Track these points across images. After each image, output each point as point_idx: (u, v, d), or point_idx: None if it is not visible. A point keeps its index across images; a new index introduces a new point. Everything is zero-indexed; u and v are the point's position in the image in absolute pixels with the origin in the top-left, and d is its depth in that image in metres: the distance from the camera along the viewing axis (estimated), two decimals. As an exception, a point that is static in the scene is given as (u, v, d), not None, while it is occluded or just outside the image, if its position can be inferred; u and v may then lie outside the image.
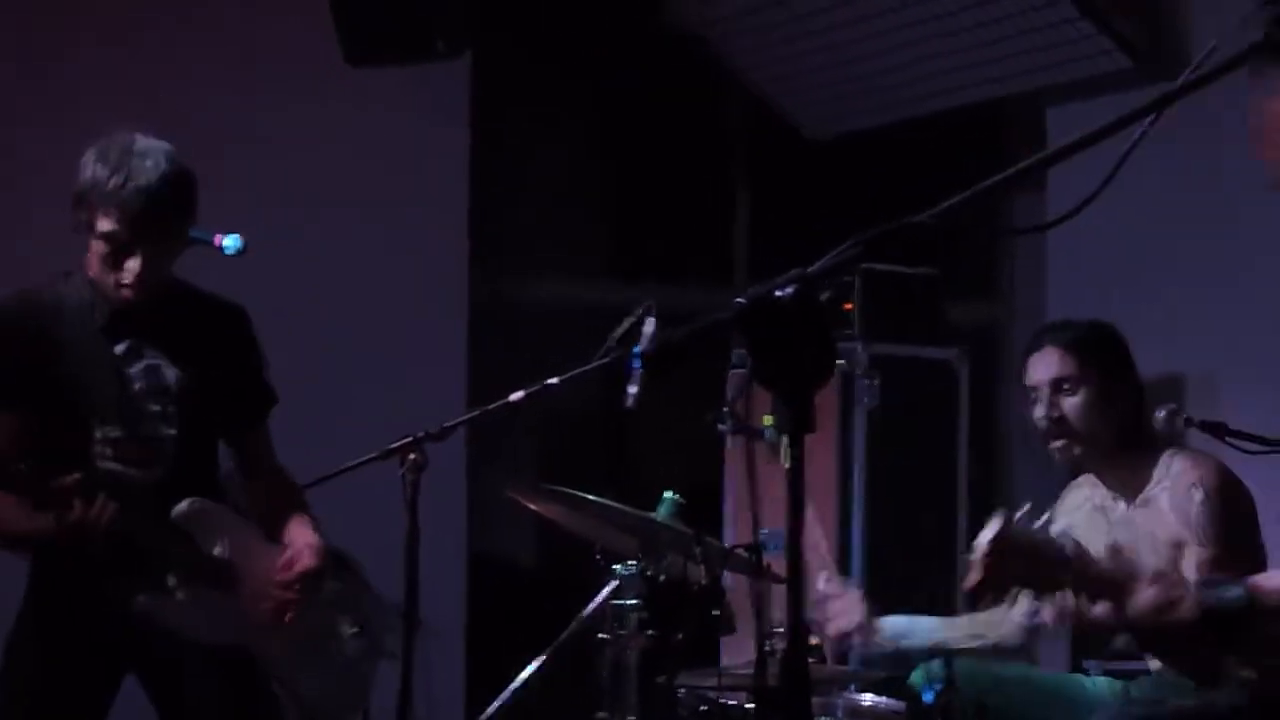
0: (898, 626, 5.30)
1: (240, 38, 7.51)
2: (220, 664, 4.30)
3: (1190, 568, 4.82)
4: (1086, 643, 6.63)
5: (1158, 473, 4.99)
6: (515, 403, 4.90)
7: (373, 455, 4.72)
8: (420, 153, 7.96)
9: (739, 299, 2.33)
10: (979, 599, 3.85)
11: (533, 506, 5.06)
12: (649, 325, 4.88)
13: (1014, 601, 5.24)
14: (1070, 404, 5.01)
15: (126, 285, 4.17)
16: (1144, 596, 3.70)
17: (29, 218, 5.97)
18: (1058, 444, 5.07)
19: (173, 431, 4.31)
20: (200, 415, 4.39)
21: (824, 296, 6.91)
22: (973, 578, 3.70)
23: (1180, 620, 3.68)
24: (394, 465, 4.67)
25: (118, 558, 4.20)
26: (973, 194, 2.47)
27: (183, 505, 4.26)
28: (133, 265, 4.16)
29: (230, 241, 4.99)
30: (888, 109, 8.66)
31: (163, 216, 4.16)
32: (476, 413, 5.12)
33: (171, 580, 4.23)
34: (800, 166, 9.02)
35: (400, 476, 4.64)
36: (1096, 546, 5.05)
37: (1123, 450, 5.05)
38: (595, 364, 4.92)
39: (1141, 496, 4.98)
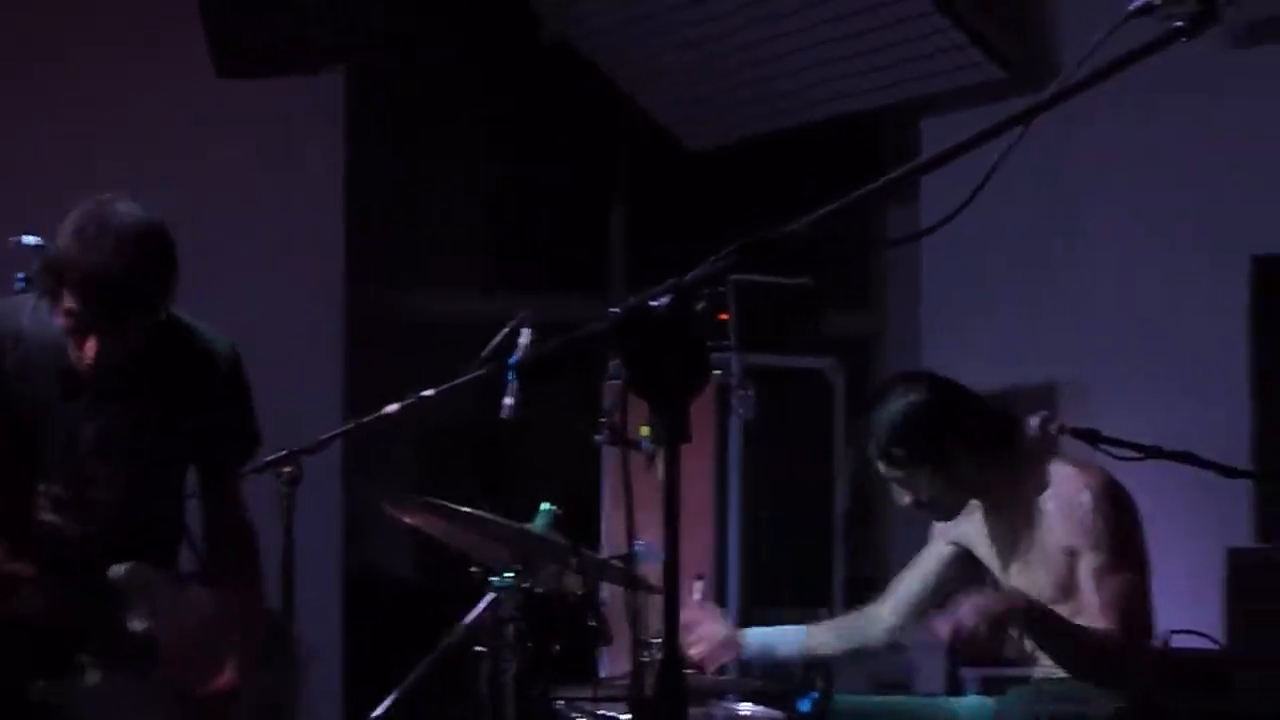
0: (762, 638, 5.32)
1: (115, 44, 7.47)
2: None
3: (1086, 574, 4.88)
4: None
5: (1049, 482, 5.01)
6: (391, 415, 4.89)
7: (246, 469, 4.67)
8: (296, 165, 7.94)
9: (614, 310, 2.33)
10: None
11: (409, 520, 5.04)
12: (525, 336, 4.89)
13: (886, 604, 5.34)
14: (922, 492, 5.02)
15: (86, 363, 4.00)
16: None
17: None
18: (938, 518, 5.14)
19: (117, 496, 4.15)
20: (156, 473, 4.25)
21: (699, 307, 6.94)
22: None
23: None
24: (269, 479, 4.64)
25: (25, 635, 4.04)
26: (844, 204, 2.48)
27: (118, 569, 4.07)
28: (90, 347, 3.98)
29: None
30: (766, 119, 8.69)
31: (119, 307, 3.97)
32: (351, 425, 5.10)
33: (85, 659, 4.03)
34: (680, 177, 9.05)
35: (275, 491, 4.61)
36: (991, 555, 5.13)
37: (999, 481, 5.08)
38: (471, 376, 4.92)
39: (1030, 505, 5.01)
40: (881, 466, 5.00)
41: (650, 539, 2.57)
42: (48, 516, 4.13)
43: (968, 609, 4.63)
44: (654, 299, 2.31)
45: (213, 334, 4.30)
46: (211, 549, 4.38)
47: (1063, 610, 4.89)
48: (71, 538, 4.12)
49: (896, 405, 4.96)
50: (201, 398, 4.24)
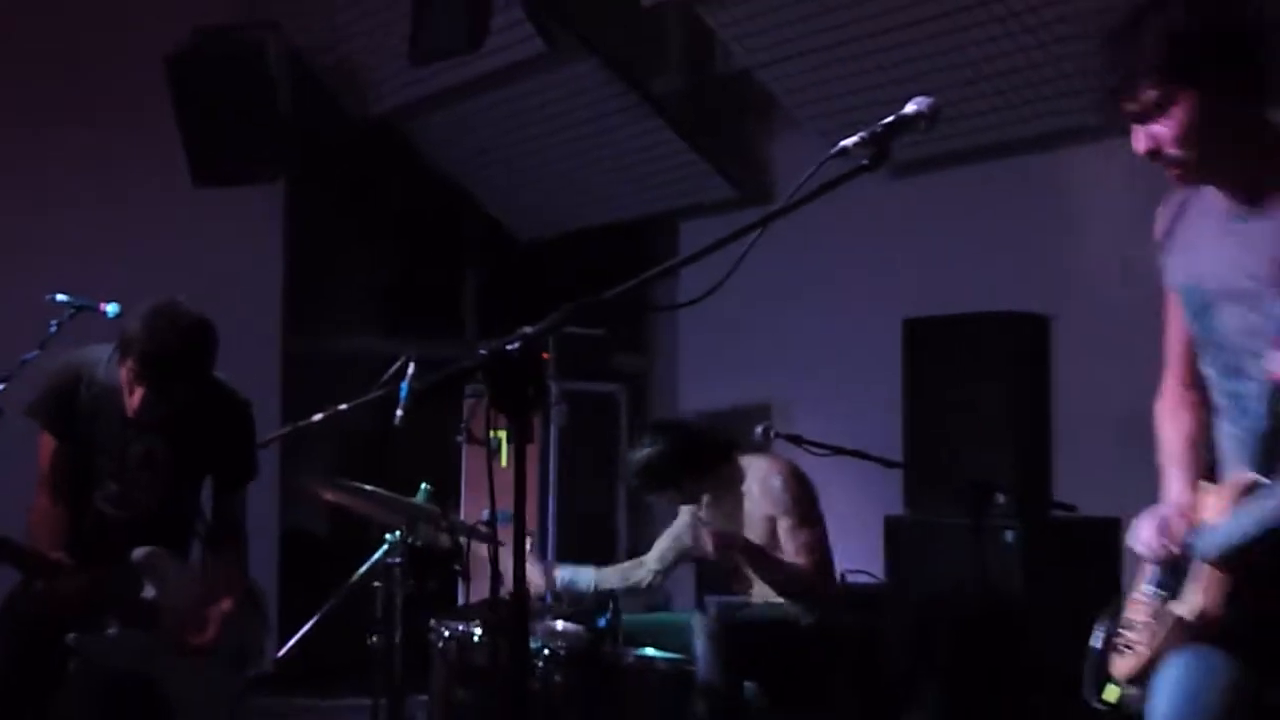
0: (566, 574, 5.34)
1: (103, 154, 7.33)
2: (118, 688, 4.10)
3: (783, 532, 4.95)
4: (707, 583, 6.74)
5: (747, 472, 5.10)
6: (315, 422, 4.85)
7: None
8: (247, 246, 7.83)
9: (482, 351, 2.33)
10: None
11: (327, 495, 4.98)
12: (410, 368, 4.87)
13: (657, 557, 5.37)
14: (664, 500, 5.35)
15: (132, 409, 4.01)
16: None
17: None
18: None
19: (154, 497, 4.15)
20: (183, 483, 4.24)
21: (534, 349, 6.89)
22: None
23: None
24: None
25: (74, 600, 4.00)
26: (628, 286, 2.50)
27: (139, 552, 4.07)
28: (135, 398, 3.99)
29: (112, 308, 4.91)
30: (568, 221, 8.72)
31: (162, 378, 3.96)
32: (288, 429, 5.03)
33: (108, 618, 4.02)
34: (513, 257, 9.07)
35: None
36: (718, 523, 5.17)
37: (714, 482, 5.16)
38: (373, 395, 4.89)
39: (739, 491, 5.10)
40: (636, 488, 5.28)
41: (502, 507, 2.58)
42: (104, 508, 4.12)
43: (716, 533, 4.85)
44: (509, 344, 2.32)
45: (234, 389, 4.30)
46: (213, 537, 4.35)
47: None
48: (118, 524, 4.12)
49: (640, 454, 5.14)
50: (222, 435, 4.24)
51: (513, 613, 2.27)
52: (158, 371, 3.95)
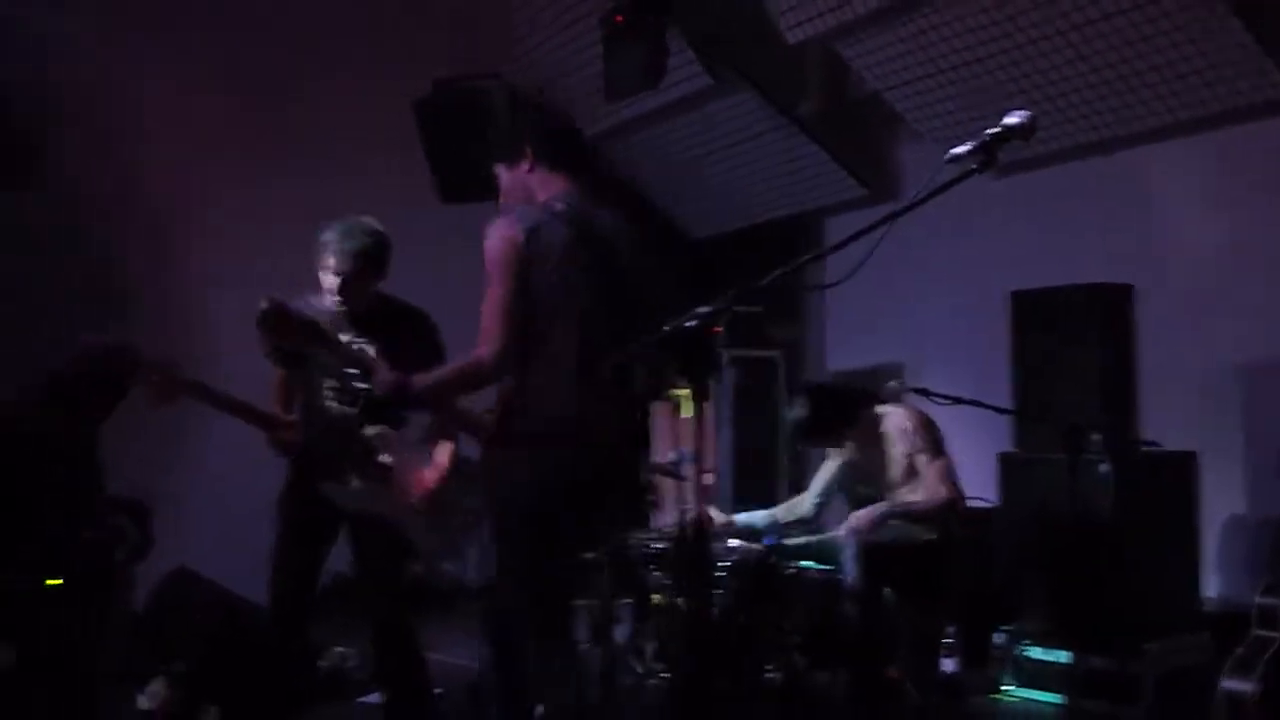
0: (743, 518, 5.34)
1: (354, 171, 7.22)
2: (376, 527, 4.05)
3: (921, 465, 4.90)
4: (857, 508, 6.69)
5: (885, 421, 5.04)
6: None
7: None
8: (479, 255, 7.91)
9: (666, 328, 2.35)
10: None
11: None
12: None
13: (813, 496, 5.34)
14: (816, 448, 5.14)
15: (330, 292, 4.03)
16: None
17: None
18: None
19: (366, 386, 4.06)
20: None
21: (710, 325, 6.89)
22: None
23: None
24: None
25: (322, 461, 4.03)
26: (785, 271, 2.50)
27: (371, 430, 4.04)
28: (329, 282, 4.01)
29: None
30: (738, 219, 8.69)
31: (342, 262, 3.98)
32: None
33: (351, 475, 4.02)
34: (688, 250, 9.05)
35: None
36: (864, 462, 5.12)
37: (857, 431, 5.11)
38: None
39: (879, 432, 5.04)
40: (795, 441, 5.25)
41: (684, 449, 2.60)
42: (330, 403, 4.08)
43: (863, 515, 4.77)
44: (688, 322, 2.33)
45: (412, 305, 4.21)
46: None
47: (905, 489, 4.93)
48: (339, 416, 4.06)
49: (794, 415, 5.06)
50: (411, 335, 4.12)
51: (696, 531, 2.28)
52: (339, 258, 3.95)
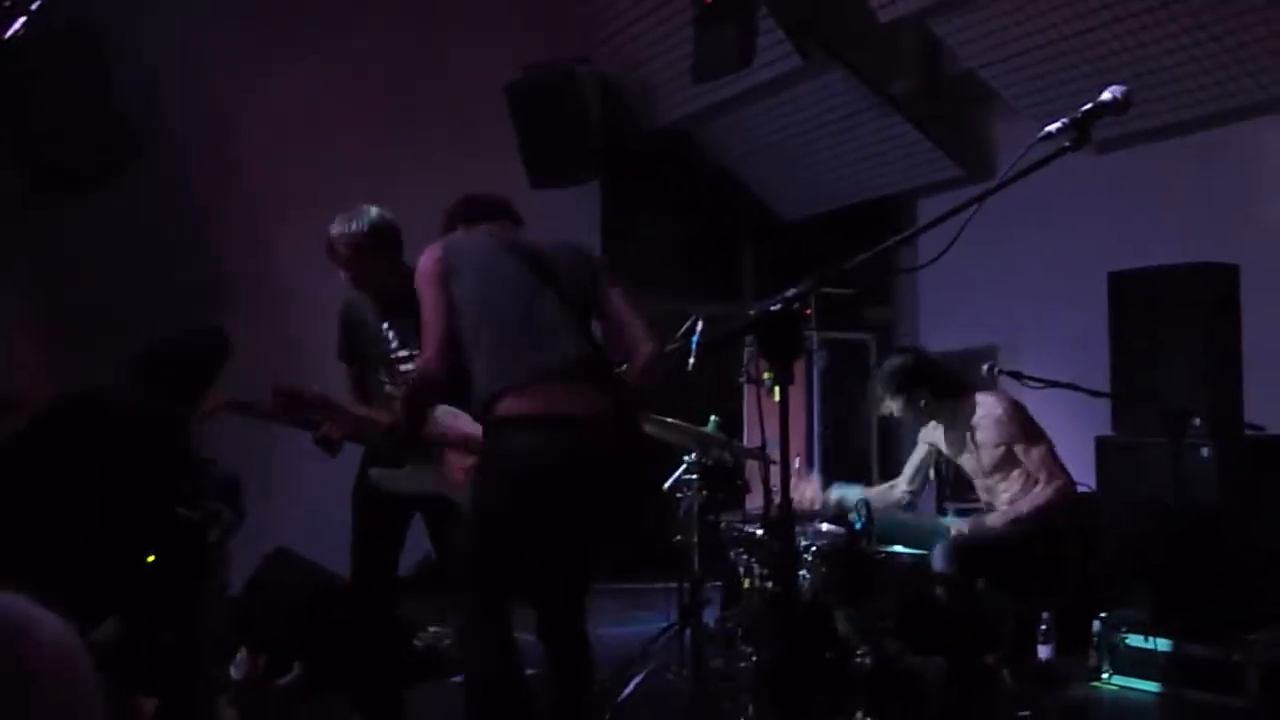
0: (837, 492, 5.31)
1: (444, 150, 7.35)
2: (441, 508, 3.94)
3: (1021, 454, 4.82)
4: (948, 494, 6.64)
5: (977, 408, 4.96)
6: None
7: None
8: (570, 236, 7.94)
9: (751, 311, 2.36)
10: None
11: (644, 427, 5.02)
12: (699, 325, 4.91)
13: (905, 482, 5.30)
14: (897, 411, 5.05)
15: (349, 285, 4.05)
16: None
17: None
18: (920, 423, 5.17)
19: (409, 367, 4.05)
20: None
21: (794, 308, 6.88)
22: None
23: None
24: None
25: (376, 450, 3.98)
26: (875, 251, 2.49)
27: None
28: (344, 276, 4.05)
29: None
30: (831, 201, 8.66)
31: (340, 255, 4.00)
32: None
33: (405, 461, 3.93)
34: (782, 235, 9.04)
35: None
36: (952, 450, 5.07)
37: (947, 409, 5.01)
38: (670, 346, 4.91)
39: (969, 421, 4.97)
40: (878, 393, 5.03)
41: (772, 435, 2.59)
42: (388, 387, 4.08)
43: (968, 532, 4.73)
44: (773, 305, 2.33)
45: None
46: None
47: (997, 476, 4.87)
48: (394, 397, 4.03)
49: (885, 365, 5.00)
50: None
51: (782, 515, 2.29)
52: (340, 251, 3.97)
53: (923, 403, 4.95)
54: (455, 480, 3.91)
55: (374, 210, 4.08)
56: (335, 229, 4.04)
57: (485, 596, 3.18)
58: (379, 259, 4.05)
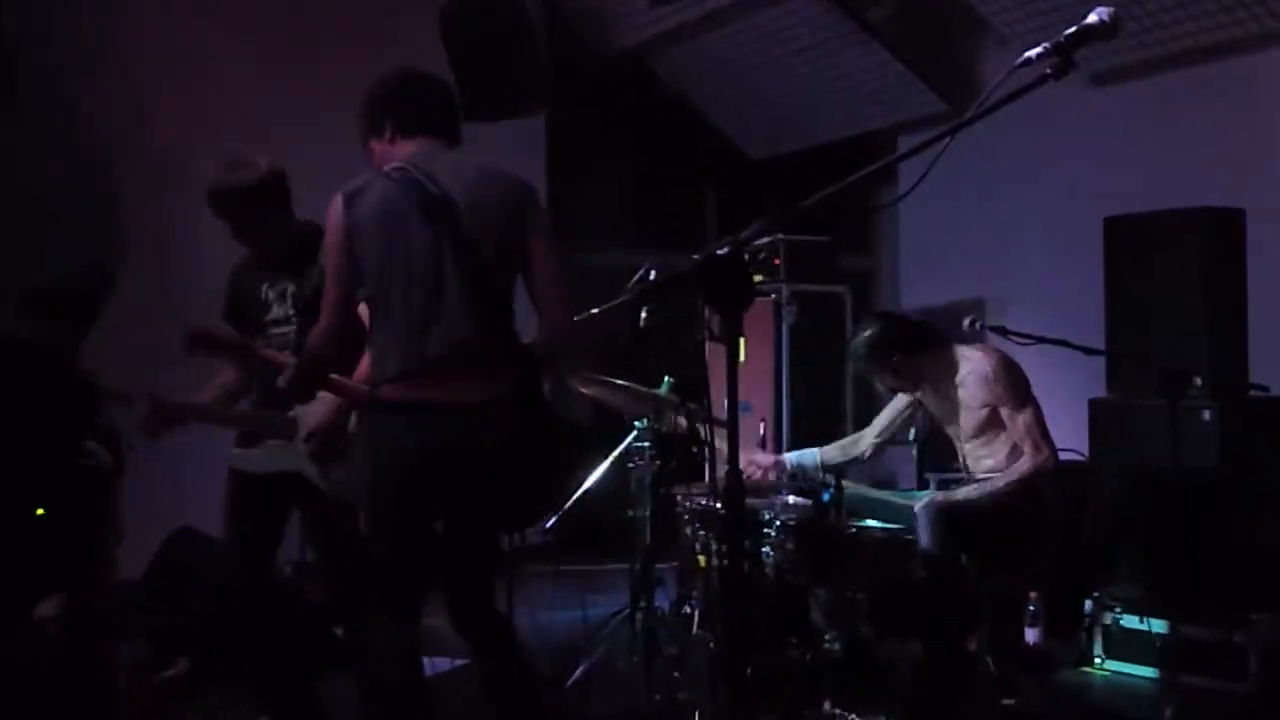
0: (796, 457, 5.31)
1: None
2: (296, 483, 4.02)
3: (1006, 418, 4.84)
4: (929, 460, 6.66)
5: (963, 363, 4.98)
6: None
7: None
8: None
9: (695, 256, 2.33)
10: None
11: (586, 389, 5.01)
12: (652, 276, 4.88)
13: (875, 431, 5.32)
14: (881, 382, 5.10)
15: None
16: None
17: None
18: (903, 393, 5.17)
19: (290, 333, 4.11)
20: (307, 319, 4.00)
21: (761, 256, 6.85)
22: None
23: None
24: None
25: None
26: (837, 189, 2.46)
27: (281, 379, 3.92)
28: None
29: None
30: (802, 138, 8.62)
31: (217, 208, 4.01)
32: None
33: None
34: (748, 175, 9.01)
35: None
36: (933, 408, 5.09)
37: (928, 369, 5.03)
38: (619, 301, 4.88)
39: (954, 377, 4.99)
40: (859, 368, 5.11)
41: (741, 399, 2.57)
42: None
43: (940, 500, 4.77)
44: (719, 249, 2.31)
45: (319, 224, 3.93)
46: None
47: (979, 440, 4.90)
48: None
49: (860, 337, 5.01)
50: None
51: (730, 483, 2.28)
52: (214, 208, 3.99)
53: (895, 359, 4.96)
54: (316, 456, 3.98)
55: (262, 161, 4.08)
56: (218, 178, 4.03)
57: (384, 591, 3.38)
58: (263, 213, 4.06)
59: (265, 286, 4.11)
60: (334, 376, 3.69)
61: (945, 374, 5.00)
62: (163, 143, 6.94)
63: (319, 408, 3.95)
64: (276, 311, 4.10)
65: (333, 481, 4.01)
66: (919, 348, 5.00)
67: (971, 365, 4.94)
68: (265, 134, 6.29)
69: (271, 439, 4.04)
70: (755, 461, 5.20)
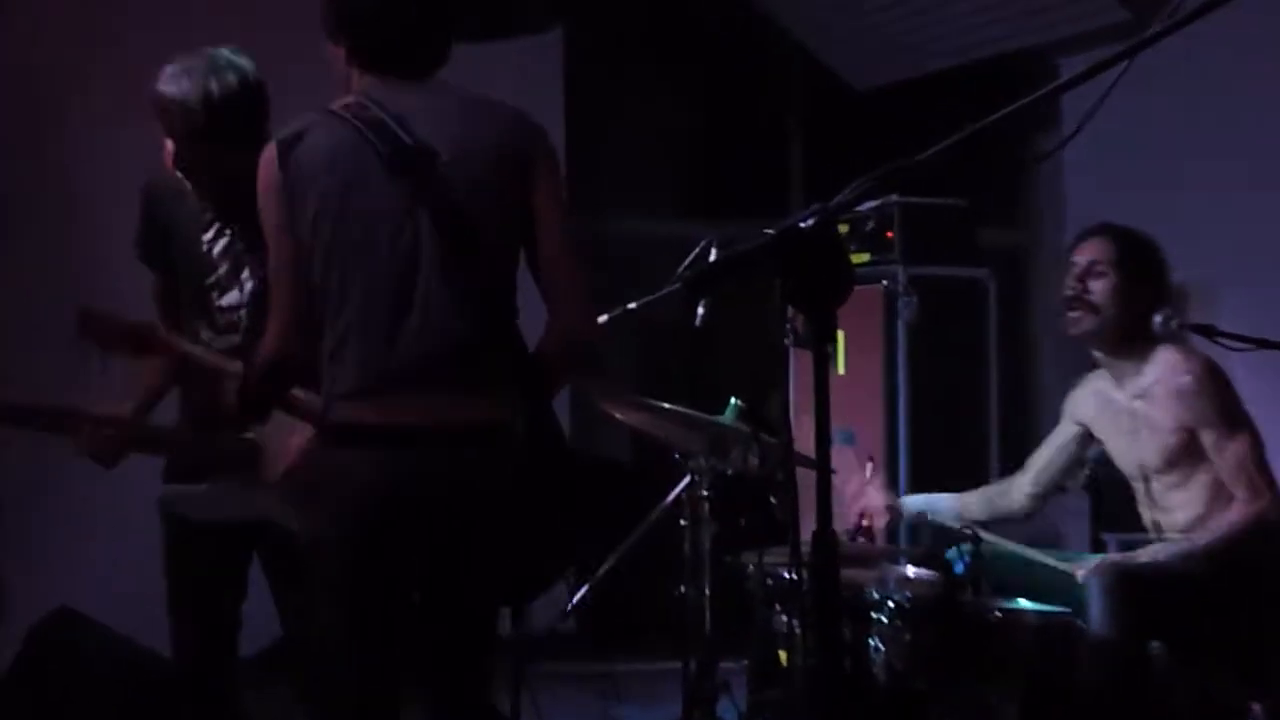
0: (920, 503, 5.31)
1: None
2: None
3: (1211, 447, 4.82)
4: (1107, 519, 6.63)
5: (1151, 368, 4.96)
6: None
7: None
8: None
9: (768, 230, 2.31)
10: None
11: (621, 416, 5.00)
12: (714, 256, 4.87)
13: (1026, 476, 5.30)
14: (1097, 284, 5.00)
15: (171, 165, 4.12)
16: None
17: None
18: (1074, 314, 5.05)
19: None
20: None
21: (869, 227, 6.92)
22: None
23: None
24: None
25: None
26: (978, 128, 2.44)
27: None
28: (168, 150, 4.10)
29: None
30: (922, 63, 8.62)
31: (169, 121, 4.02)
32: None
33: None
34: (848, 115, 9.00)
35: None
36: (1106, 431, 5.07)
37: (1127, 341, 5.01)
38: (667, 290, 4.90)
39: (1138, 386, 4.96)
40: (1100, 244, 5.12)
41: (837, 425, 2.54)
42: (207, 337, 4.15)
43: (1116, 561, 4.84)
44: (802, 220, 2.29)
45: None
46: None
47: (1169, 478, 4.89)
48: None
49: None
50: None
51: (820, 550, 2.24)
52: (169, 116, 4.00)
53: (1126, 302, 4.96)
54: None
55: (245, 62, 4.05)
56: (172, 86, 3.99)
57: (335, 696, 3.40)
58: (229, 139, 3.99)
59: (211, 236, 4.11)
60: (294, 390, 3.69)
61: (1135, 374, 4.98)
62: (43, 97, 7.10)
63: (289, 433, 3.90)
64: (224, 273, 4.12)
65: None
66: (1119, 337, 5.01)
67: (1161, 372, 4.94)
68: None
69: (220, 470, 4.02)
70: (866, 505, 5.19)
